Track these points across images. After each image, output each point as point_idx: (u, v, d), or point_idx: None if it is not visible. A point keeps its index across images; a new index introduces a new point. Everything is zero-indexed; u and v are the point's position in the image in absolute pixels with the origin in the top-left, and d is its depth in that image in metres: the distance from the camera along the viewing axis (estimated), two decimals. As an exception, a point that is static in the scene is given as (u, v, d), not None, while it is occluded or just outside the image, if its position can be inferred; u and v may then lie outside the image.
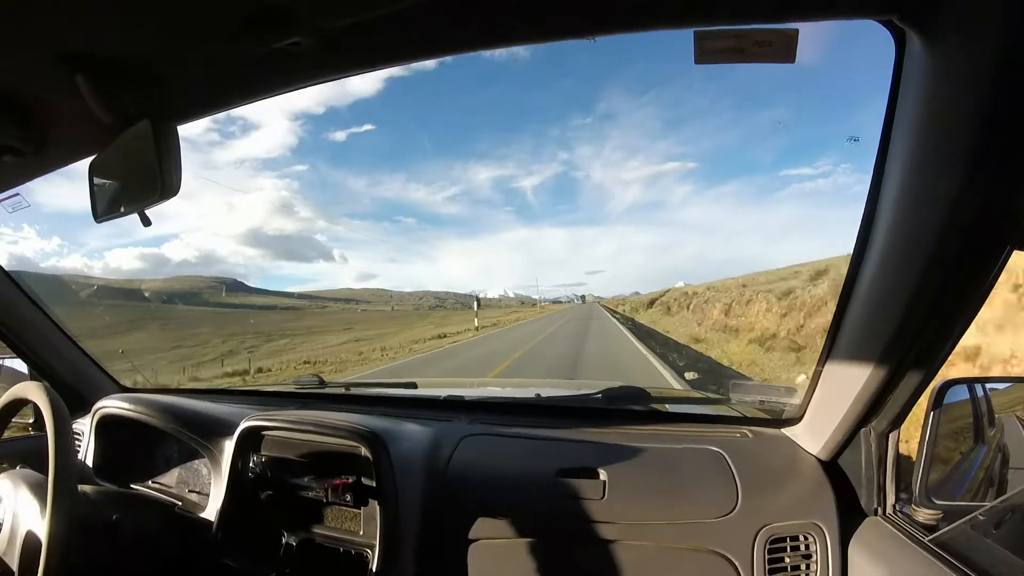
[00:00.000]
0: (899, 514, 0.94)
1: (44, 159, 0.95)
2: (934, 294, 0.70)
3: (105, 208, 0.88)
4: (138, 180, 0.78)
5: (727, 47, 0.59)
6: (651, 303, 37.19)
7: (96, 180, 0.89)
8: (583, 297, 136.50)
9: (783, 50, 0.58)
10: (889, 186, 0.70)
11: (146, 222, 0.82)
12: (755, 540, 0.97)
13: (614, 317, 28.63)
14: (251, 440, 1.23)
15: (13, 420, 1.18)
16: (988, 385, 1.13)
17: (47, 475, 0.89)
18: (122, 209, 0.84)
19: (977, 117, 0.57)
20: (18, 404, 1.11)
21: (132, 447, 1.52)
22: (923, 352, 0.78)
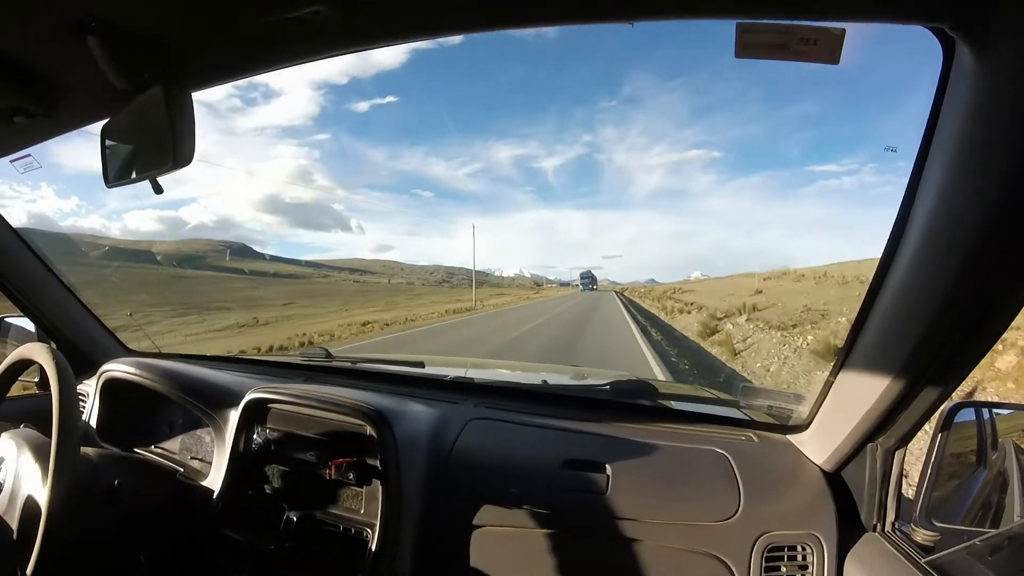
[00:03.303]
0: (898, 532, 0.94)
1: (55, 122, 0.93)
2: (960, 312, 0.68)
3: (116, 174, 0.86)
4: (151, 147, 0.76)
5: (771, 42, 0.56)
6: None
7: (108, 144, 0.87)
8: (591, 279, 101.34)
9: (828, 50, 0.56)
10: (924, 196, 0.68)
11: (158, 190, 0.80)
12: (753, 547, 0.97)
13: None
14: (256, 412, 1.23)
15: (20, 379, 1.18)
16: (993, 409, 1.12)
17: (50, 436, 0.89)
18: (133, 175, 0.83)
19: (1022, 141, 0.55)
20: (23, 364, 1.11)
21: (136, 411, 1.53)
22: (942, 371, 0.76)
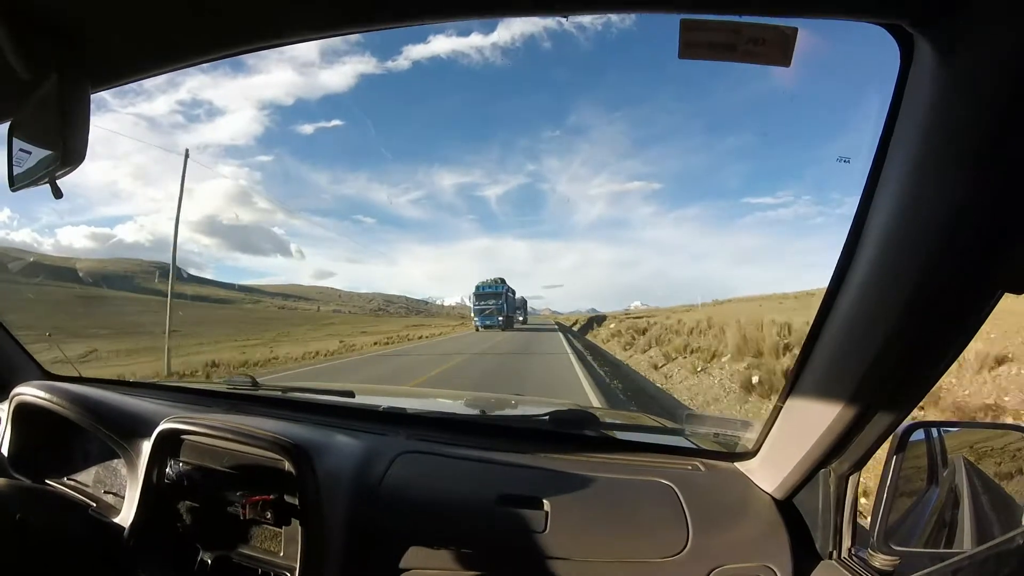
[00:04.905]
0: (855, 558, 0.91)
1: None
2: (916, 331, 0.66)
3: (19, 175, 0.79)
4: (48, 144, 0.70)
5: (717, 41, 0.53)
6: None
7: (15, 143, 0.79)
8: (503, 300, 30.82)
9: (778, 50, 0.52)
10: (879, 211, 0.65)
11: (57, 194, 0.74)
12: None
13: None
14: (169, 444, 1.13)
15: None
16: (943, 428, 1.13)
17: None
18: (35, 177, 0.75)
19: (986, 141, 0.52)
20: None
21: (51, 439, 1.40)
22: (896, 393, 0.74)
